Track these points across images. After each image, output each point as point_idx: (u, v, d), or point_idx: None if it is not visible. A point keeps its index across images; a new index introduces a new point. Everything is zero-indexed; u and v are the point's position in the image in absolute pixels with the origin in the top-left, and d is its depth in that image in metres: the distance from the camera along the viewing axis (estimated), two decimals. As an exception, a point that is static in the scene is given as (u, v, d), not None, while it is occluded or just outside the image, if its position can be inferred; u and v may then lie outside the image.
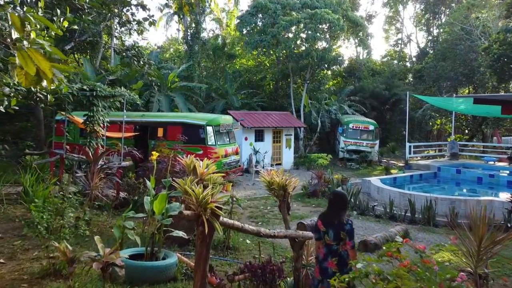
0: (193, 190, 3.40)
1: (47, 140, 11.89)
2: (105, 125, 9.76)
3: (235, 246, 7.64)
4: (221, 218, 3.67)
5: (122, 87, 11.32)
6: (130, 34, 14.77)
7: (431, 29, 38.27)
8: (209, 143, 14.43)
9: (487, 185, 14.71)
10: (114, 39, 19.45)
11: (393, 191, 11.86)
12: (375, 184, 12.97)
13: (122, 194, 9.68)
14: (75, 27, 7.07)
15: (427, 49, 37.11)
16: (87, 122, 9.51)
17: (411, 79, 36.01)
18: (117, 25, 14.85)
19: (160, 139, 15.30)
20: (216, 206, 3.50)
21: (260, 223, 9.98)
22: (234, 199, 7.64)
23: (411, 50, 52.19)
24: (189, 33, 25.72)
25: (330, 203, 4.45)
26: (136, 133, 14.64)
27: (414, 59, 39.28)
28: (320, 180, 13.47)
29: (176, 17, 33.55)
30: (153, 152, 4.80)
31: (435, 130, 31.29)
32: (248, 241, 8.22)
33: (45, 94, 7.03)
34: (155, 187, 4.88)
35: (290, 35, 23.92)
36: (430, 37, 38.27)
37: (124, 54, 14.37)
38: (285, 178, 4.97)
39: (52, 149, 16.07)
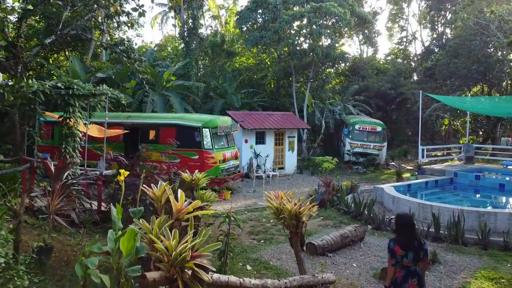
0: (162, 242, 2.12)
1: (23, 145, 10.59)
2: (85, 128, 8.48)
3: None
4: (207, 276, 2.39)
5: (107, 86, 10.04)
6: (118, 27, 13.48)
7: (436, 27, 36.96)
8: (205, 147, 13.14)
9: (510, 193, 13.42)
10: (106, 35, 18.16)
11: (412, 202, 10.56)
12: (390, 192, 11.66)
13: (103, 207, 8.43)
14: (30, 7, 5.80)
15: (432, 47, 35.86)
16: (63, 125, 8.25)
17: (416, 78, 34.76)
18: (105, 18, 13.57)
19: (151, 142, 14.07)
20: (198, 265, 2.21)
21: (262, 240, 8.69)
22: (232, 218, 6.34)
23: (416, 48, 50.93)
24: (185, 29, 24.40)
25: (402, 227, 4.43)
26: (124, 132, 13.31)
27: (418, 57, 37.96)
28: (328, 188, 12.18)
29: (173, 14, 32.32)
30: (122, 171, 3.55)
31: (443, 131, 29.97)
32: (249, 267, 6.95)
33: (1, 92, 5.76)
34: (123, 216, 3.59)
35: (292, 31, 22.64)
36: (435, 35, 36.99)
37: (112, 49, 13.13)
38: (299, 204, 3.69)
39: (30, 155, 14.88)
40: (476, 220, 9.42)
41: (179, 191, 2.94)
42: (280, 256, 7.66)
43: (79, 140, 8.35)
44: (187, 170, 5.54)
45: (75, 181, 5.62)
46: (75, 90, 8.12)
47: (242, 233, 9.12)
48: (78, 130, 8.35)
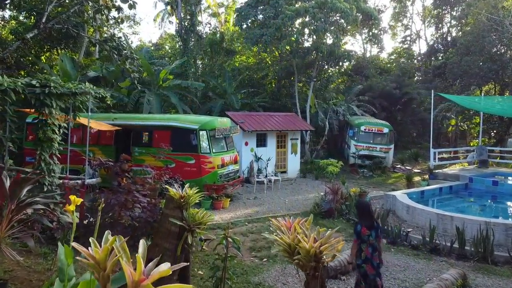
0: None
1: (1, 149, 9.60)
2: (61, 131, 7.49)
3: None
4: None
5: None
6: (108, 21, 12.47)
7: (440, 25, 35.99)
8: (202, 151, 12.14)
9: (531, 200, 12.45)
10: (97, 31, 17.14)
11: (429, 212, 9.58)
12: (403, 201, 10.67)
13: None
14: None
15: (437, 45, 34.92)
16: (38, 127, 7.27)
17: (421, 78, 33.81)
18: (95, 12, 12.56)
19: (144, 145, 13.08)
20: None
21: (264, 259, 7.70)
22: (230, 239, 5.36)
23: (420, 47, 50.02)
24: (183, 26, 23.36)
25: (365, 211, 5.34)
26: (115, 128, 12.29)
27: (422, 56, 36.99)
28: (335, 195, 11.17)
29: (173, 13, 31.25)
30: (72, 197, 2.59)
31: (450, 132, 28.93)
32: (250, 295, 5.95)
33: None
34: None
35: (294, 29, 21.65)
36: (438, 34, 36.06)
37: (102, 46, 12.13)
38: (320, 241, 2.69)
39: (25, 158, 13.81)
40: (503, 234, 8.45)
41: (141, 244, 1.92)
42: (286, 279, 6.68)
43: (57, 146, 7.34)
44: (175, 185, 4.58)
45: (37, 199, 4.64)
46: (51, 88, 7.13)
47: (242, 249, 8.12)
48: (56, 133, 7.36)
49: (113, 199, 4.29)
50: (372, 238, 5.14)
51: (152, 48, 33.38)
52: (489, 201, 13.29)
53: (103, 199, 4.25)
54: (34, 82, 7.12)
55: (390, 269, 7.15)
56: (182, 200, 4.41)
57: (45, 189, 6.98)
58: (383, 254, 7.99)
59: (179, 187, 11.64)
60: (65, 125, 7.65)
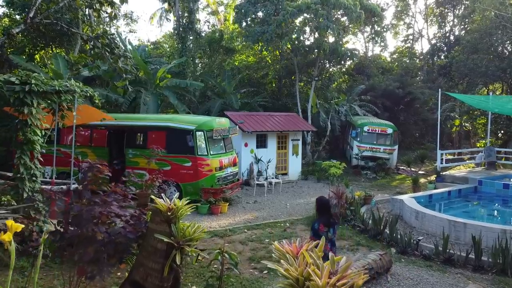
0: None
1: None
2: (44, 132, 6.90)
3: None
4: None
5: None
6: (99, 16, 11.89)
7: (443, 24, 35.39)
8: (199, 153, 11.53)
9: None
10: (89, 28, 16.54)
11: (441, 219, 8.97)
12: (412, 206, 10.05)
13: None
14: None
15: (440, 44, 34.34)
16: (18, 128, 6.68)
17: (423, 77, 33.24)
18: (86, 8, 11.96)
19: (138, 147, 12.47)
20: None
21: (265, 271, 7.09)
22: (227, 255, 4.77)
23: (422, 46, 49.35)
24: (181, 24, 22.75)
25: (324, 209, 5.64)
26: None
27: (424, 55, 36.40)
28: (340, 199, 10.57)
29: (170, 10, 30.62)
30: (9, 223, 2.02)
31: (454, 132, 28.30)
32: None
33: None
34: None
35: (296, 27, 21.05)
36: (441, 32, 35.49)
37: (93, 43, 11.53)
38: (337, 277, 2.09)
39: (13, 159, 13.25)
40: (522, 243, 7.85)
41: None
42: (288, 295, 6.06)
43: (39, 148, 6.75)
44: (163, 195, 4.00)
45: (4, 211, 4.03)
46: (33, 85, 6.54)
47: (242, 259, 7.53)
48: (38, 135, 6.77)
49: (86, 211, 3.67)
50: (331, 234, 5.43)
51: (151, 46, 32.78)
52: (496, 205, 12.72)
53: (72, 213, 3.66)
54: (13, 78, 6.54)
55: (402, 283, 6.55)
56: (170, 213, 3.81)
57: (25, 196, 6.40)
58: (393, 265, 7.57)
59: (174, 191, 10.99)
60: (48, 126, 7.05)
